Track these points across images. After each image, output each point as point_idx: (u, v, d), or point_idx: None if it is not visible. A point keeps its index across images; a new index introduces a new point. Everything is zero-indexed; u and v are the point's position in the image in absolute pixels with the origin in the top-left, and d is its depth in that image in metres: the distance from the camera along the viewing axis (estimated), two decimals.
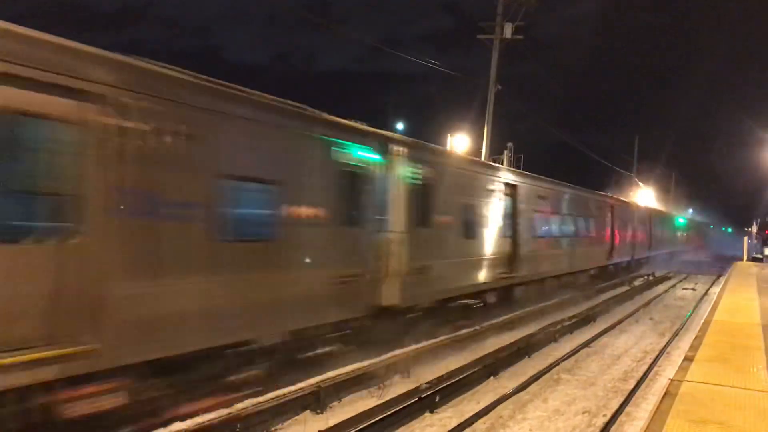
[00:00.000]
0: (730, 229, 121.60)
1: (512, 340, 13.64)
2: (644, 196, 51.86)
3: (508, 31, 24.34)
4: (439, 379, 10.03)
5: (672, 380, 7.66)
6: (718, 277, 35.07)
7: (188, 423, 6.98)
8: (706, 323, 12.50)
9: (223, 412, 7.36)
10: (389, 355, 10.79)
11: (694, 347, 9.90)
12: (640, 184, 54.86)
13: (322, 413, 8.58)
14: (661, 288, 30.08)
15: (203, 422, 7.08)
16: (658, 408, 6.49)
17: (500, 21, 24.65)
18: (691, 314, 20.35)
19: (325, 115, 10.27)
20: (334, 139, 9.98)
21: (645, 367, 12.54)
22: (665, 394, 7.03)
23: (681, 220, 61.14)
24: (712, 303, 16.98)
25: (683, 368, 8.38)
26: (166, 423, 6.89)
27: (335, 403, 8.99)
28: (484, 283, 15.41)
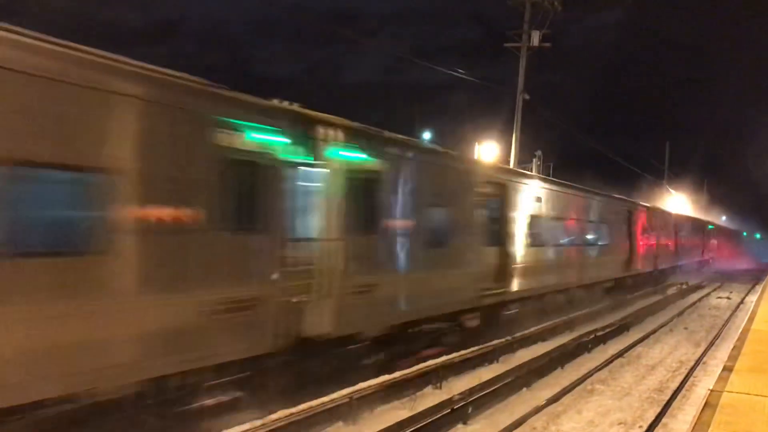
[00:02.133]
0: (758, 235, 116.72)
1: (544, 351, 13.48)
2: (675, 202, 51.13)
3: (535, 39, 24.26)
4: (472, 390, 9.94)
5: (712, 391, 7.51)
6: (755, 285, 34.37)
7: None
8: (744, 332, 12.24)
9: (256, 423, 7.38)
10: (420, 366, 10.74)
11: (733, 357, 9.71)
12: (671, 190, 54.11)
13: (354, 424, 8.56)
14: (695, 296, 29.54)
15: None
16: (698, 419, 6.36)
17: (527, 29, 24.58)
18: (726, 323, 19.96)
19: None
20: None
21: (681, 378, 12.31)
22: (705, 404, 6.89)
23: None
24: (749, 312, 16.64)
25: (722, 378, 8.22)
26: None
27: (367, 414, 8.96)
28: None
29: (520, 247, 15.59)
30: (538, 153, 26.69)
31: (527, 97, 24.66)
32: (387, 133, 11.05)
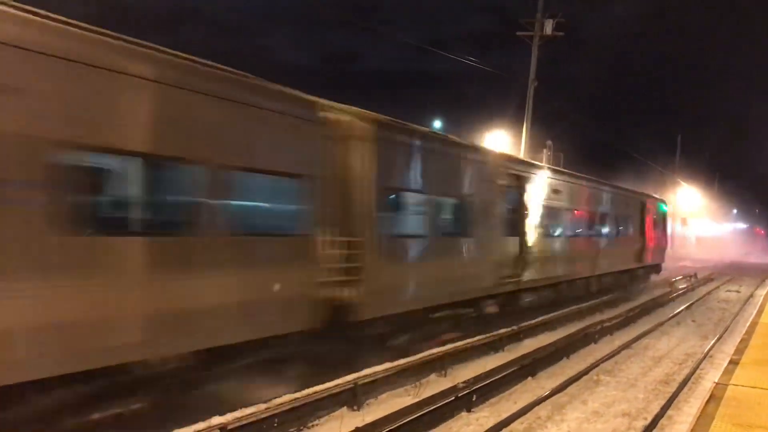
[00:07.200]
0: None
1: (551, 341, 13.48)
2: (686, 194, 50.95)
3: (548, 27, 24.09)
4: (476, 378, 9.96)
5: (717, 383, 7.47)
6: (765, 279, 34.19)
7: (228, 417, 7.04)
8: (752, 326, 12.18)
9: (261, 407, 7.43)
10: (425, 353, 10.77)
11: (740, 350, 9.66)
12: (682, 182, 53.84)
13: (359, 410, 8.60)
14: (704, 290, 29.39)
15: (242, 416, 7.14)
16: (702, 411, 6.34)
17: (540, 17, 24.41)
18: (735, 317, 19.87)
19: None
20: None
21: (687, 370, 12.26)
22: (710, 397, 6.87)
23: None
24: (758, 306, 16.56)
25: (728, 371, 8.18)
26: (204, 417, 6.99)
27: (372, 400, 9.00)
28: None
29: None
30: (549, 143, 26.54)
31: (536, 84, 24.52)
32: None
